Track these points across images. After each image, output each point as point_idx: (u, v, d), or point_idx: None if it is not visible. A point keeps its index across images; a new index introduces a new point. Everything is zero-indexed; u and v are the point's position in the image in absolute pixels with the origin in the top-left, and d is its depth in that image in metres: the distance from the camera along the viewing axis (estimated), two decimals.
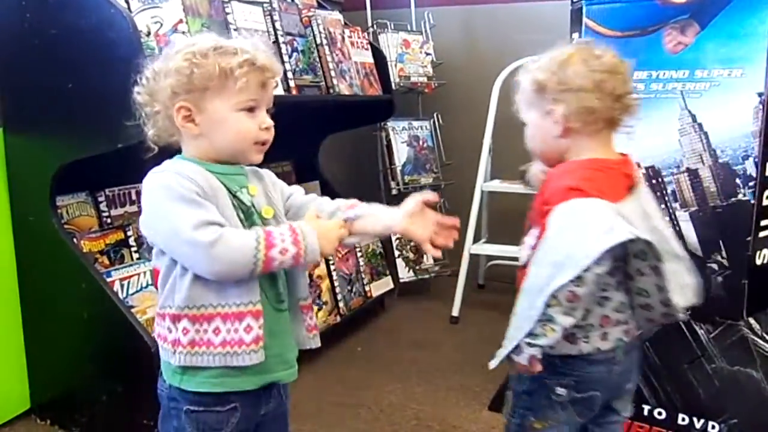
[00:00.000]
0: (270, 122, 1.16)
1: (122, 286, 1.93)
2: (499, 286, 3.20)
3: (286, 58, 2.32)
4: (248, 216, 1.12)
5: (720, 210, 1.71)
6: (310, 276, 2.51)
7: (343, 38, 2.70)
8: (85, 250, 1.94)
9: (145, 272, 2.00)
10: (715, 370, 1.75)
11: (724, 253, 1.72)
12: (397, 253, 3.18)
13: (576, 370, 1.26)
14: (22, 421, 2.01)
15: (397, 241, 3.20)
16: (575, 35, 1.89)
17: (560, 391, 1.28)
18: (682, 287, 1.24)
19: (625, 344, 1.26)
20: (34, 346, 1.98)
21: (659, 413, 1.82)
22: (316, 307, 2.50)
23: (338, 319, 2.63)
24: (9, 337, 1.96)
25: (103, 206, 2.09)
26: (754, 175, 1.65)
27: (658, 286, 1.20)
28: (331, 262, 2.64)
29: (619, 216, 1.15)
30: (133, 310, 1.81)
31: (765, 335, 1.72)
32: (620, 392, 1.33)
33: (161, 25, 1.84)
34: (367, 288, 2.86)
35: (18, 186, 1.90)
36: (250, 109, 1.11)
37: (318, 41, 2.54)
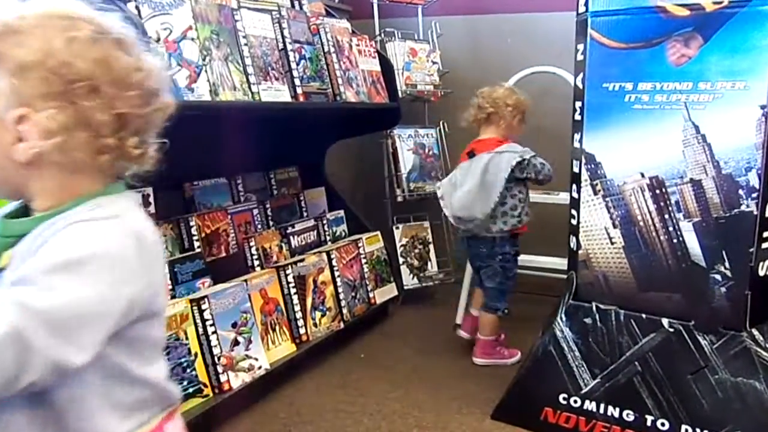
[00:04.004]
0: None
1: None
2: None
3: (293, 65, 2.34)
4: None
5: (723, 221, 1.72)
6: (315, 282, 2.52)
7: (351, 46, 2.72)
8: None
9: None
10: (719, 381, 1.75)
11: (727, 264, 1.72)
12: (401, 260, 3.19)
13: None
14: None
15: (402, 248, 3.20)
16: (580, 46, 1.90)
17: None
18: (453, 206, 2.44)
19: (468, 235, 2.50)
20: None
21: (662, 424, 1.82)
22: (319, 313, 2.52)
23: (342, 325, 2.63)
24: None
25: None
26: (757, 186, 1.65)
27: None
28: (335, 269, 2.65)
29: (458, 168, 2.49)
30: None
31: None
32: (481, 260, 2.50)
33: (171, 31, 1.86)
34: (371, 295, 2.87)
35: None
36: None
37: (326, 49, 2.56)
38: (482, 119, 2.46)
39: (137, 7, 1.79)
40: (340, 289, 2.66)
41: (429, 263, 3.29)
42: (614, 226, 1.89)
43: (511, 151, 2.36)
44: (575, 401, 1.94)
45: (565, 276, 2.11)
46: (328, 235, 2.90)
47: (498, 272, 2.45)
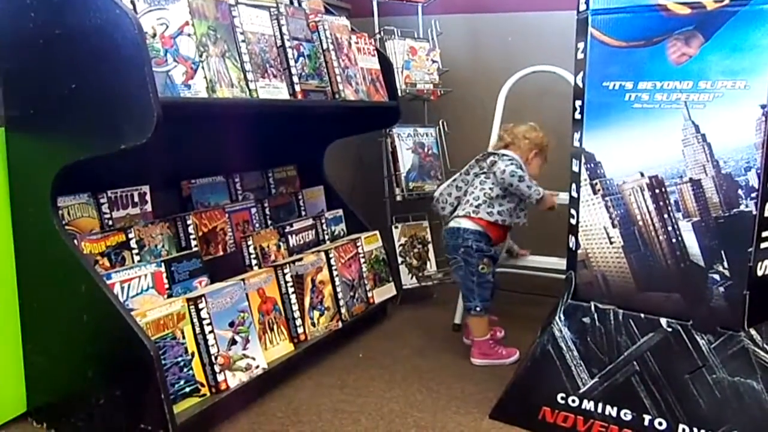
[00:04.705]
0: None
1: (122, 288, 1.93)
2: (501, 294, 3.18)
3: (292, 62, 2.33)
4: None
5: (722, 221, 1.71)
6: (313, 281, 2.51)
7: (350, 44, 2.71)
8: (85, 252, 1.94)
9: (146, 275, 2.01)
10: (716, 380, 1.74)
11: (725, 264, 1.72)
12: (400, 259, 3.18)
13: None
14: (17, 425, 2.01)
15: (401, 247, 3.20)
16: (581, 44, 1.89)
17: None
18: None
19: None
20: (32, 348, 1.97)
21: (659, 423, 1.81)
22: (317, 313, 2.50)
23: (340, 324, 2.62)
24: (7, 338, 1.96)
25: (104, 208, 2.10)
26: (757, 186, 1.65)
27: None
28: (334, 268, 2.64)
29: None
30: (133, 313, 1.81)
31: (766, 346, 1.71)
32: (448, 252, 2.56)
33: (167, 27, 1.85)
34: (369, 294, 2.86)
35: (19, 186, 1.91)
36: None
37: (325, 46, 2.55)
38: (501, 148, 2.61)
39: (132, 2, 1.78)
40: (338, 289, 2.65)
41: (428, 263, 3.28)
42: (613, 226, 1.88)
43: (507, 154, 2.54)
44: (573, 401, 1.93)
45: (564, 276, 2.10)
46: (327, 234, 2.89)
47: (461, 266, 2.51)
